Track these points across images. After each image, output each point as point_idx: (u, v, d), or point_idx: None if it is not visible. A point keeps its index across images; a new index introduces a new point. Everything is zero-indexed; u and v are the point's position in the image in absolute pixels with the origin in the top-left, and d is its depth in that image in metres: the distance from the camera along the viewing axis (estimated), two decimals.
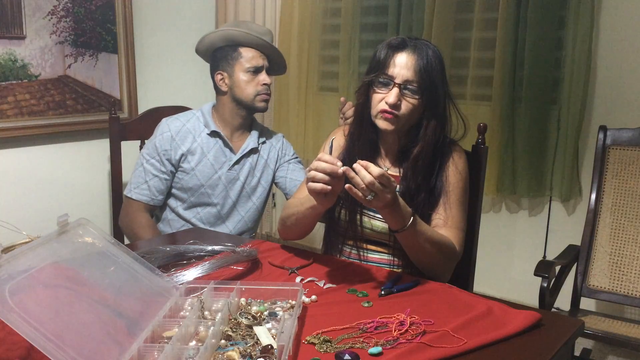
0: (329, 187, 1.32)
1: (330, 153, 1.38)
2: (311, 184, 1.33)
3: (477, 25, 2.65)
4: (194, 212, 2.09)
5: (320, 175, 1.32)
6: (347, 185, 1.30)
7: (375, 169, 1.28)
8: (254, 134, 2.13)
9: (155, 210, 2.15)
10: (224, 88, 2.07)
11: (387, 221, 1.42)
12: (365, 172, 1.28)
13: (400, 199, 1.38)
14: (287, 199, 2.20)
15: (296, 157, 2.23)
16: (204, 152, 2.06)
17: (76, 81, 2.68)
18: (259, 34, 2.04)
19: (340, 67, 3.08)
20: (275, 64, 2.13)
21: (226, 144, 2.08)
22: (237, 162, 2.10)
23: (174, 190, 2.09)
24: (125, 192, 2.09)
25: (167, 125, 2.08)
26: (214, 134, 2.07)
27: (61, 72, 2.63)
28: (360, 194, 1.29)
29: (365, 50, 3.03)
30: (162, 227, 2.13)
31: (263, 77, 2.05)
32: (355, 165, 1.30)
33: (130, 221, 2.06)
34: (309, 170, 1.34)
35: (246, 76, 2.04)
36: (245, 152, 2.10)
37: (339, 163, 1.32)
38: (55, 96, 2.62)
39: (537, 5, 2.46)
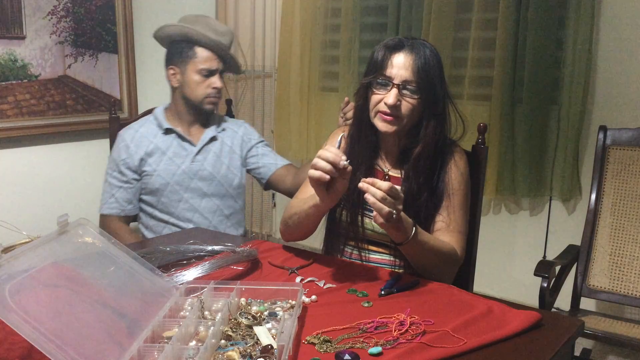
0: (327, 177, 1.33)
1: (339, 147, 1.38)
2: (311, 171, 1.34)
3: (477, 25, 2.66)
4: (170, 212, 2.09)
5: (323, 163, 1.32)
6: (366, 195, 1.30)
7: (383, 184, 1.29)
8: (212, 123, 2.14)
9: (134, 221, 2.17)
10: (175, 84, 2.06)
11: (390, 235, 1.42)
12: (374, 188, 1.29)
13: (403, 214, 1.37)
14: (262, 185, 2.22)
15: (262, 141, 2.22)
16: (162, 151, 2.06)
17: (76, 81, 2.68)
18: (218, 35, 2.02)
19: (340, 67, 3.09)
20: (229, 65, 2.13)
21: (183, 139, 2.08)
22: (198, 153, 2.09)
23: (144, 197, 2.09)
24: (99, 212, 2.11)
25: (120, 136, 2.10)
26: (168, 131, 2.08)
27: (61, 72, 2.63)
28: (385, 209, 1.29)
29: (365, 50, 3.03)
30: (148, 235, 2.13)
31: (215, 80, 2.04)
32: (360, 185, 1.31)
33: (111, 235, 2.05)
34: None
35: (198, 77, 2.03)
36: (205, 141, 2.10)
37: (344, 157, 1.32)
38: (55, 96, 2.62)
39: (537, 5, 2.46)
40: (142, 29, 2.93)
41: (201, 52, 2.02)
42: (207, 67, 2.02)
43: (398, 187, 1.32)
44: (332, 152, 1.33)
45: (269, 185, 2.20)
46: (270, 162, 2.16)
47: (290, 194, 2.15)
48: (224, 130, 2.15)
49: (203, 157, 2.09)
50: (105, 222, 2.08)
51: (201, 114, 2.10)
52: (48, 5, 2.54)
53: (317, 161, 1.33)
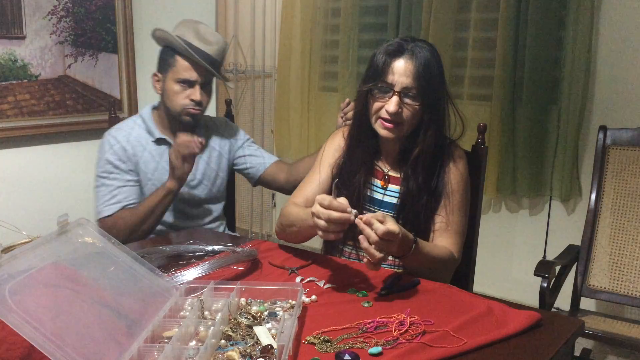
0: (341, 235, 1.33)
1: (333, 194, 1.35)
2: (325, 234, 1.32)
3: (477, 25, 2.66)
4: (162, 221, 2.02)
5: (333, 227, 1.30)
6: (360, 237, 1.29)
7: (380, 227, 1.26)
8: (200, 129, 2.06)
9: None
10: (157, 91, 1.99)
11: (390, 251, 1.41)
12: (370, 230, 1.27)
13: (403, 230, 1.34)
14: (252, 182, 2.18)
15: (248, 139, 2.17)
16: (156, 160, 1.99)
17: (76, 81, 2.68)
18: (205, 45, 1.92)
19: (340, 67, 3.09)
20: (217, 75, 2.01)
21: None
22: None
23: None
24: (98, 218, 1.95)
25: (113, 138, 1.98)
26: (160, 141, 2.00)
27: (61, 72, 2.63)
28: (377, 255, 1.28)
29: (365, 50, 3.03)
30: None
31: (193, 92, 1.92)
32: (357, 222, 1.29)
33: (121, 228, 1.93)
34: (318, 217, 1.31)
35: (177, 87, 1.92)
36: None
37: (350, 210, 1.30)
38: (55, 96, 2.62)
39: (537, 6, 2.46)
40: (142, 29, 2.93)
41: (181, 62, 1.92)
42: (186, 77, 1.91)
43: (396, 230, 1.28)
44: (337, 208, 1.29)
45: (258, 183, 2.17)
46: (258, 161, 2.13)
47: (282, 189, 2.14)
48: (210, 135, 2.09)
49: (195, 166, 2.01)
50: (108, 223, 1.93)
51: (184, 123, 2.00)
52: (48, 5, 2.54)
53: (326, 226, 1.30)
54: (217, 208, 2.14)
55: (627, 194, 2.21)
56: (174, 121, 1.98)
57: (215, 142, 2.11)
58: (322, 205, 1.30)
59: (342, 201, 1.32)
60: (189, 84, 1.93)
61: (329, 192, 1.62)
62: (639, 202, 2.19)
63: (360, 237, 1.29)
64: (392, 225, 1.28)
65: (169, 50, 1.95)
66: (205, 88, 1.97)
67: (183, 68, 1.92)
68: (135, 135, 1.99)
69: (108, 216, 1.92)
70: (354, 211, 1.30)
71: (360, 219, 1.29)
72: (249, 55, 3.50)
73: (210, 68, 1.93)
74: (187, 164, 1.83)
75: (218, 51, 1.96)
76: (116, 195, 1.94)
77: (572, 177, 2.52)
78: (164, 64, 1.96)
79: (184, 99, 1.93)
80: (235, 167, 2.17)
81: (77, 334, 0.91)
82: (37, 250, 1.01)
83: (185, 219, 2.07)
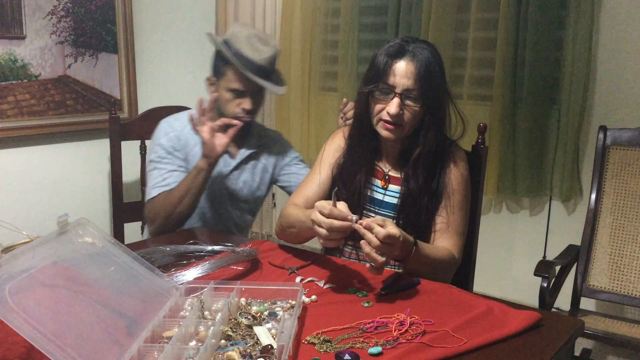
0: (343, 242, 1.33)
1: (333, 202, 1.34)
2: (328, 242, 1.33)
3: (477, 25, 2.66)
4: (198, 217, 2.05)
5: (336, 235, 1.31)
6: (362, 242, 1.29)
7: (380, 231, 1.27)
8: (252, 138, 2.07)
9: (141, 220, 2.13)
10: (211, 94, 1.98)
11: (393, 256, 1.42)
12: (371, 235, 1.27)
13: (403, 233, 1.34)
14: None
15: (297, 157, 2.17)
16: None
17: (76, 81, 2.68)
18: (256, 55, 1.89)
19: (339, 67, 3.09)
20: (270, 83, 1.97)
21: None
22: (235, 169, 2.05)
23: None
24: (146, 201, 1.98)
25: (170, 126, 2.01)
26: None
27: (61, 72, 2.63)
28: (380, 260, 1.28)
29: (365, 50, 3.03)
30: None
31: (244, 102, 1.92)
32: (357, 227, 1.29)
33: (158, 210, 1.92)
34: (319, 225, 1.31)
35: (228, 95, 1.93)
36: (242, 158, 2.06)
37: (351, 217, 1.30)
38: (55, 96, 2.62)
39: (537, 5, 2.46)
40: (142, 29, 2.93)
41: (231, 73, 1.91)
42: (236, 87, 1.91)
43: (396, 233, 1.28)
44: (337, 217, 1.30)
45: None
46: (300, 180, 2.07)
47: None
48: (260, 146, 2.09)
49: (238, 173, 2.06)
50: (151, 205, 1.93)
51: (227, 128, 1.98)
52: (48, 5, 2.54)
53: (328, 234, 1.30)
54: (246, 219, 2.15)
55: (627, 194, 2.21)
56: (226, 125, 1.92)
57: (263, 155, 2.11)
58: (322, 214, 1.31)
59: (342, 207, 1.32)
60: (239, 93, 1.92)
61: (329, 194, 1.63)
62: (639, 202, 2.19)
63: (362, 242, 1.29)
64: (392, 229, 1.28)
65: (221, 57, 1.93)
66: (257, 96, 1.96)
67: (233, 79, 1.91)
68: (188, 129, 1.98)
69: (153, 198, 1.93)
70: (354, 217, 1.30)
71: (361, 224, 1.29)
72: None
73: (259, 80, 1.90)
74: (219, 143, 1.82)
75: (269, 60, 1.92)
76: (167, 178, 1.94)
77: (572, 177, 2.52)
78: (217, 70, 1.95)
79: (235, 107, 1.93)
80: (277, 183, 2.17)
81: (77, 334, 0.91)
82: (37, 250, 1.01)
83: (217, 223, 2.07)
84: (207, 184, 1.91)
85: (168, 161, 1.98)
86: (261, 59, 1.90)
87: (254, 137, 2.09)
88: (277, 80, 2.01)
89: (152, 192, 1.94)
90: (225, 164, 2.05)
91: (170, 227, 1.92)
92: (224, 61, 1.92)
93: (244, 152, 2.07)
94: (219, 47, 1.92)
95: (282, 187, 2.19)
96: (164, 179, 1.94)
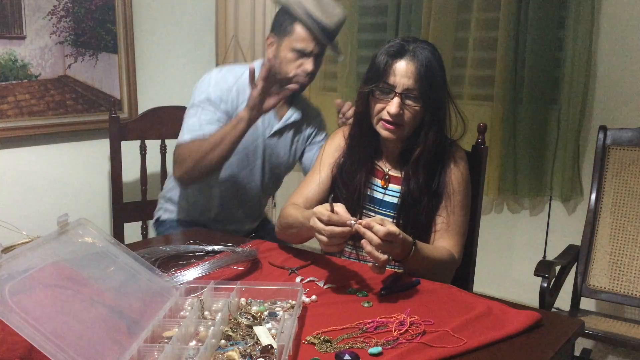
0: (344, 246, 1.33)
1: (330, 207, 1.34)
2: (328, 247, 1.33)
3: (478, 25, 2.66)
4: (228, 173, 2.00)
5: (337, 240, 1.31)
6: (363, 241, 1.30)
7: (380, 229, 1.27)
8: (298, 105, 2.03)
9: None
10: (269, 54, 1.93)
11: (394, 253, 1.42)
12: (371, 233, 1.28)
13: (402, 233, 1.34)
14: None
15: (324, 138, 2.12)
16: None
17: (76, 81, 2.68)
18: (325, 16, 1.84)
19: (339, 67, 3.09)
20: (331, 47, 1.94)
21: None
22: (277, 132, 2.01)
23: None
24: (177, 143, 1.91)
25: (222, 76, 1.94)
26: None
27: (61, 72, 2.63)
28: (382, 258, 1.28)
29: (364, 50, 3.03)
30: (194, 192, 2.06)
31: (306, 62, 1.88)
32: (357, 227, 1.29)
33: (190, 154, 1.85)
34: (319, 232, 1.32)
35: (291, 55, 1.87)
36: (287, 122, 2.02)
37: (350, 222, 1.30)
38: (55, 96, 2.62)
39: (537, 5, 2.46)
40: (142, 29, 2.93)
41: (299, 31, 1.85)
42: (302, 47, 1.85)
43: (396, 231, 1.29)
44: (336, 223, 1.30)
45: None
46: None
47: None
48: (303, 116, 2.04)
49: (278, 138, 2.01)
50: (182, 149, 1.88)
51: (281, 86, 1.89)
52: (48, 5, 2.54)
53: (328, 241, 1.31)
54: (269, 189, 2.11)
55: (627, 194, 2.21)
56: (278, 86, 1.87)
57: (304, 125, 2.07)
58: (321, 221, 1.31)
59: (341, 211, 1.32)
60: (303, 54, 1.87)
61: (328, 194, 1.63)
62: (639, 202, 2.19)
63: (363, 241, 1.29)
64: (391, 227, 1.29)
65: (288, 15, 1.88)
66: (319, 59, 1.92)
67: (300, 38, 1.85)
68: (243, 81, 1.93)
69: (186, 142, 1.88)
70: (353, 222, 1.30)
71: (360, 223, 1.30)
72: (249, 55, 3.50)
73: (329, 42, 1.87)
74: (268, 101, 1.77)
75: (337, 23, 1.89)
76: (202, 126, 1.88)
77: (573, 177, 2.52)
78: (281, 28, 1.90)
79: (296, 67, 1.88)
80: (301, 159, 2.13)
81: (77, 334, 0.91)
82: (37, 250, 1.01)
83: (244, 185, 2.03)
84: (242, 137, 1.83)
85: (210, 110, 1.91)
86: (331, 21, 1.86)
87: (299, 105, 2.05)
88: (337, 47, 1.99)
89: (185, 136, 1.89)
90: (268, 124, 2.00)
91: (197, 175, 1.86)
92: (290, 19, 1.87)
93: (288, 116, 2.03)
94: (289, 3, 1.87)
95: (301, 164, 2.15)
96: (200, 125, 1.88)
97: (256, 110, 1.76)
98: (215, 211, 2.09)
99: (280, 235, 1.67)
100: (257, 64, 1.96)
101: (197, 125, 1.88)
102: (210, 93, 1.91)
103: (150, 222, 2.63)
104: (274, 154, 2.05)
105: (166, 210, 2.18)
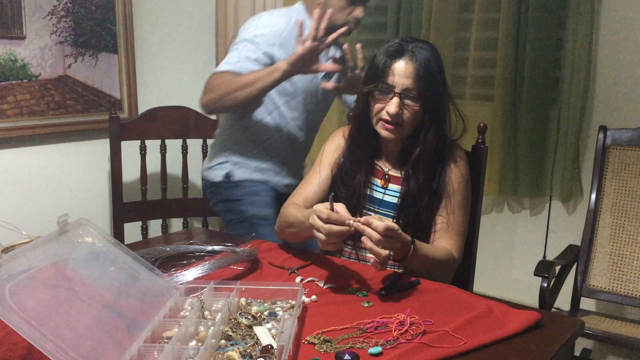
0: (342, 245, 1.35)
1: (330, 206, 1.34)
2: (327, 246, 1.34)
3: (478, 25, 2.66)
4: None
5: (335, 239, 1.32)
6: (363, 238, 1.30)
7: (379, 225, 1.28)
8: (338, 47, 2.03)
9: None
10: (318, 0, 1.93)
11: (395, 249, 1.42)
12: (371, 230, 1.28)
13: (401, 231, 1.35)
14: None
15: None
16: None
17: (76, 81, 2.68)
18: None
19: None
20: None
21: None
22: (327, 74, 2.00)
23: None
24: (214, 72, 1.94)
25: (273, 20, 1.95)
26: None
27: (61, 72, 2.63)
28: (383, 253, 1.29)
29: (364, 50, 3.02)
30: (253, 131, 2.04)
31: (357, 10, 1.93)
32: (356, 225, 1.30)
33: (220, 85, 1.87)
34: (318, 230, 1.32)
35: (342, 2, 1.92)
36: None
37: (349, 221, 1.31)
38: (55, 96, 2.62)
39: (537, 5, 2.47)
40: (142, 29, 2.93)
41: None
42: None
43: (395, 226, 1.30)
44: (335, 222, 1.30)
45: None
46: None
47: None
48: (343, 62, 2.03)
49: (327, 78, 2.00)
50: (214, 78, 1.89)
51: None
52: (48, 5, 2.54)
53: (327, 239, 1.31)
54: (311, 125, 2.12)
55: (627, 194, 2.21)
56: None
57: (333, 76, 2.06)
58: (320, 219, 1.31)
59: (341, 210, 1.32)
60: (353, 1, 1.92)
61: (327, 195, 1.63)
62: (639, 202, 2.19)
63: (363, 238, 1.29)
64: (390, 223, 1.30)
65: None
66: (365, 7, 1.97)
67: None
68: (292, 26, 1.94)
69: (220, 72, 1.89)
70: (352, 222, 1.31)
71: (358, 221, 1.30)
72: None
73: None
74: (313, 67, 1.78)
75: None
76: (240, 60, 1.89)
77: (573, 177, 2.52)
78: None
79: (346, 15, 1.93)
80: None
81: (77, 334, 0.91)
82: (37, 250, 1.01)
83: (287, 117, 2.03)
84: (274, 86, 1.84)
85: (252, 50, 1.91)
86: None
87: (339, 47, 2.05)
88: None
89: (222, 66, 1.91)
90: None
91: (220, 107, 1.88)
92: None
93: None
94: None
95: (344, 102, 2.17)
96: (238, 60, 1.89)
97: (296, 67, 1.78)
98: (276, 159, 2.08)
99: (280, 235, 1.67)
100: (299, 6, 2.00)
101: (235, 59, 1.90)
102: (257, 34, 1.93)
103: (150, 222, 2.63)
104: (318, 89, 2.04)
105: (235, 164, 2.09)
